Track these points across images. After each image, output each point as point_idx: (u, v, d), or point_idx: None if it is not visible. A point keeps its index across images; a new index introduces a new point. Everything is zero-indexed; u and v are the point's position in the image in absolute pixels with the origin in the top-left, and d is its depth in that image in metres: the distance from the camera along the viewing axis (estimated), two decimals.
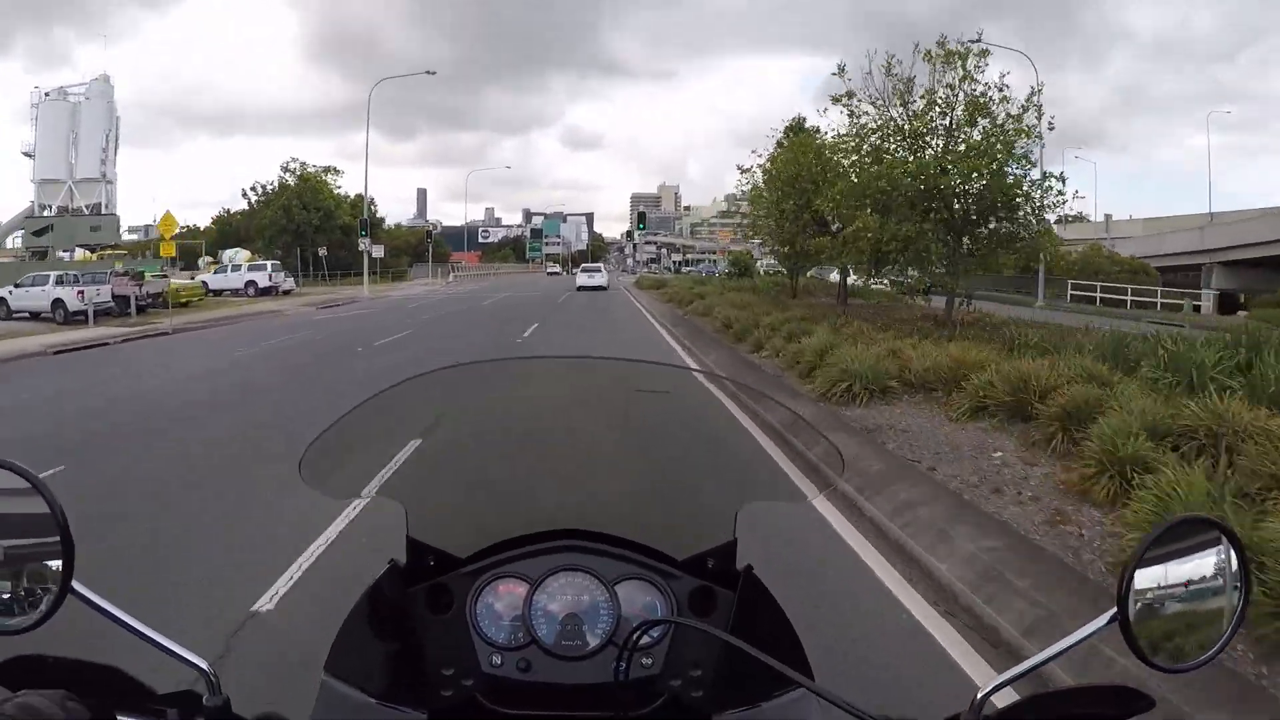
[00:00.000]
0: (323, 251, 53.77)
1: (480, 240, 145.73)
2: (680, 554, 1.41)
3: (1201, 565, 1.06)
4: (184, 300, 34.40)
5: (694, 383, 1.62)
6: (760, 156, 24.13)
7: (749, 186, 25.55)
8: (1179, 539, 1.06)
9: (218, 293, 43.20)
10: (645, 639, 1.25)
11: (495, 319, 24.04)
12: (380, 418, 1.45)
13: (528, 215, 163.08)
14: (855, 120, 16.13)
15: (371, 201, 74.38)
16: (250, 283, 44.26)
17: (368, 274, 44.70)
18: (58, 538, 0.96)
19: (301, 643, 3.52)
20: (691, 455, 1.64)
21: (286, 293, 45.28)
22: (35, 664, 0.95)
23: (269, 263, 46.57)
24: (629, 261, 73.78)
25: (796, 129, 25.91)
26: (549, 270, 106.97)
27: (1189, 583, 1.06)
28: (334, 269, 63.74)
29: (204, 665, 1.00)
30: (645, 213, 58.40)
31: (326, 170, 72.29)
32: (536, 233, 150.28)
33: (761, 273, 44.36)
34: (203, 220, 75.62)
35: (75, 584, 0.97)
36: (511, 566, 1.37)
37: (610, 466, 1.62)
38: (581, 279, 48.22)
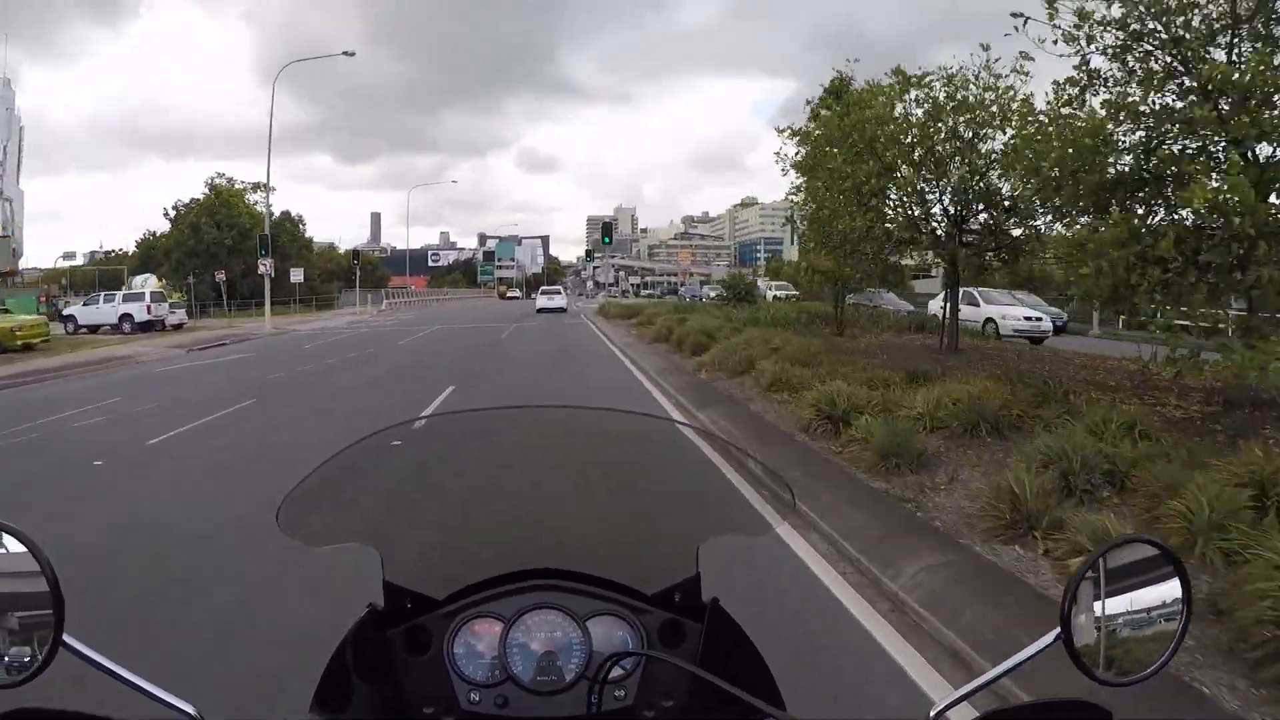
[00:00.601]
0: (221, 276, 44.86)
1: (430, 264, 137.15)
2: (649, 589, 1.41)
3: (1143, 582, 1.10)
4: (20, 342, 26.00)
5: (653, 424, 1.64)
6: (792, 139, 16.06)
7: (793, 177, 16.95)
8: (1120, 558, 1.10)
9: (93, 328, 34.73)
10: (617, 671, 1.28)
11: (397, 376, 16.38)
12: (354, 467, 1.43)
13: (482, 239, 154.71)
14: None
15: (299, 219, 66.36)
16: (125, 316, 35.49)
17: (270, 303, 36.14)
18: (49, 594, 0.99)
19: None
20: (654, 493, 1.62)
21: (177, 327, 36.87)
22: (32, 717, 0.96)
23: (148, 291, 37.81)
24: (589, 285, 66.34)
25: (837, 91, 17.63)
26: (509, 294, 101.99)
27: (1131, 599, 1.09)
28: (253, 296, 55.41)
29: (191, 710, 1.01)
30: (610, 224, 50.67)
31: (255, 186, 64.06)
32: (489, 255, 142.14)
33: (769, 298, 37.27)
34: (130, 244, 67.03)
35: (66, 637, 0.99)
36: (486, 606, 1.38)
37: (579, 506, 1.60)
38: (541, 301, 49.65)
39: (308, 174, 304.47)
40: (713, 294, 53.05)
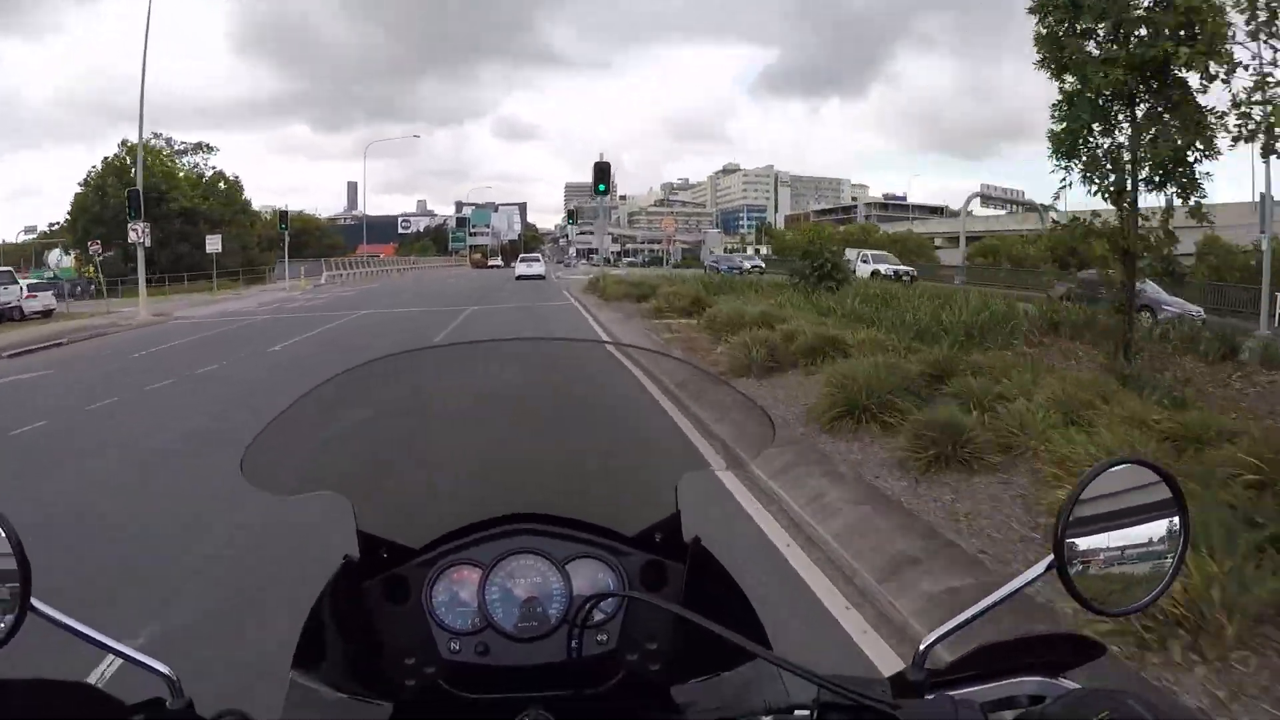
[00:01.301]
0: (95, 249, 35.43)
1: (400, 231, 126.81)
2: (629, 530, 1.37)
3: (1137, 506, 1.02)
4: None
5: (633, 357, 1.59)
6: None
7: None
8: (1112, 481, 1.02)
9: None
10: (599, 615, 1.25)
11: (188, 438, 8.34)
12: (319, 412, 1.38)
13: (459, 207, 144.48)
14: None
15: (235, 179, 56.52)
16: None
17: (144, 280, 27.03)
18: (13, 559, 0.95)
19: None
20: (630, 432, 1.60)
21: (44, 314, 28.08)
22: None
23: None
24: (570, 253, 59.76)
25: None
26: (490, 263, 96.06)
27: (1125, 525, 1.02)
28: (182, 269, 46.02)
29: (166, 670, 0.98)
30: (606, 166, 40.72)
31: (197, 147, 54.36)
32: (462, 222, 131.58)
33: (865, 274, 27.92)
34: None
35: (34, 601, 0.95)
36: (463, 553, 1.33)
37: (554, 448, 1.53)
38: (520, 268, 49.34)
39: (286, 144, 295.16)
40: (748, 265, 43.10)
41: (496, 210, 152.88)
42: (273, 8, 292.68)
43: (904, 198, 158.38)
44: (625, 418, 1.60)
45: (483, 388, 1.56)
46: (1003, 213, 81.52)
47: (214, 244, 38.62)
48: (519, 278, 45.69)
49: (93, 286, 43.03)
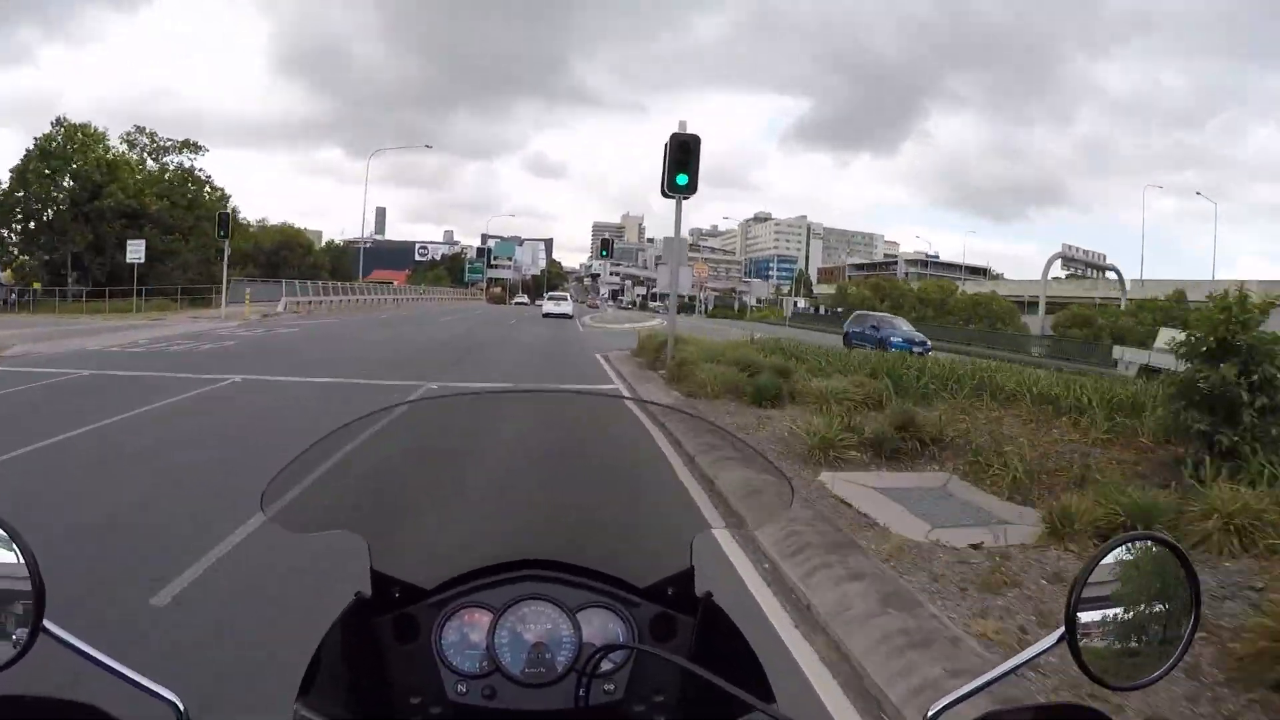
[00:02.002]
0: None
1: (418, 258, 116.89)
2: (641, 582, 1.36)
3: (1149, 581, 1.02)
4: None
5: (654, 414, 1.52)
6: None
7: None
8: (1126, 555, 1.02)
9: None
10: (607, 665, 1.24)
11: None
12: (340, 452, 1.35)
13: (483, 239, 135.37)
14: None
15: (207, 179, 46.47)
16: None
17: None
18: (28, 580, 0.95)
19: None
20: (648, 486, 1.60)
21: None
22: (10, 703, 0.94)
23: None
24: (603, 294, 50.79)
25: None
26: (518, 299, 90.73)
27: (1137, 599, 1.02)
28: (124, 280, 35.82)
29: (175, 700, 0.98)
30: (610, 241, 35.50)
31: (184, 145, 44.68)
32: (483, 253, 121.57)
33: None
34: None
35: (47, 623, 0.95)
36: (475, 596, 1.33)
37: (570, 496, 1.52)
38: (548, 306, 48.27)
39: (317, 167, 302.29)
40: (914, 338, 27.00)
41: (521, 244, 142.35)
42: (312, 31, 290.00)
43: (936, 255, 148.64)
44: (644, 472, 1.58)
45: (502, 435, 1.52)
46: (1063, 274, 71.69)
47: (135, 251, 28.60)
48: (545, 315, 44.80)
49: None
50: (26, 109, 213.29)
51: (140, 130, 44.92)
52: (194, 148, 46.78)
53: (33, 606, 0.95)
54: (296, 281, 42.98)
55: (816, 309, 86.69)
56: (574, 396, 1.63)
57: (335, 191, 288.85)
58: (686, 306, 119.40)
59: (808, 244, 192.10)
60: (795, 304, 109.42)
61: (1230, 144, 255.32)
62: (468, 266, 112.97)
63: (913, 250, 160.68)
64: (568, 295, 55.41)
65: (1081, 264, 71.33)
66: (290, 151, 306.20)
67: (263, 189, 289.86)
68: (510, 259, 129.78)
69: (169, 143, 45.64)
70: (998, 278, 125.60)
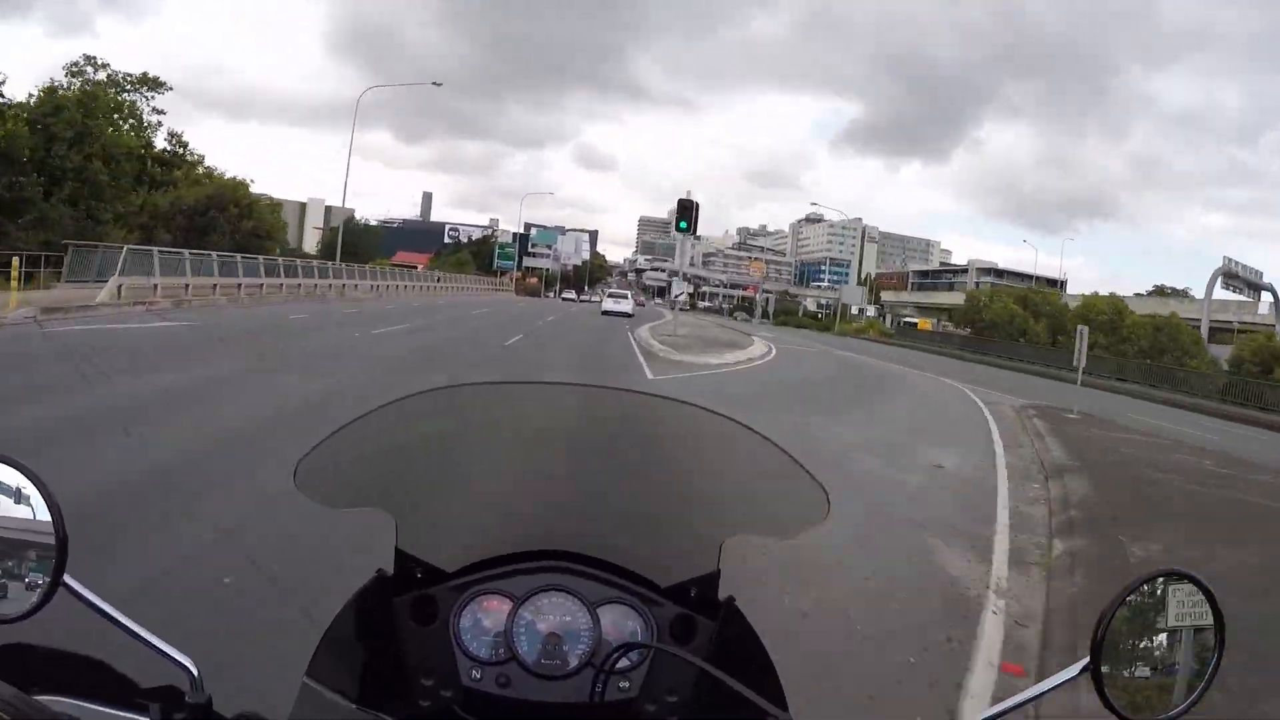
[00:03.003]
0: None
1: (447, 240, 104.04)
2: (664, 581, 1.36)
3: (1175, 618, 1.04)
4: None
5: (688, 413, 1.49)
6: None
7: None
8: (1154, 591, 1.05)
9: None
10: (624, 662, 1.24)
11: None
12: (377, 431, 1.37)
13: (527, 228, 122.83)
14: None
15: (154, 124, 35.19)
16: None
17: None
18: (52, 530, 0.94)
19: None
20: (681, 484, 1.56)
21: None
22: (18, 652, 0.96)
23: None
24: (679, 295, 36.62)
25: None
26: (564, 295, 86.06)
27: (1162, 635, 1.04)
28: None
29: (189, 664, 0.97)
30: (692, 204, 15.21)
31: (142, 80, 34.43)
32: (521, 238, 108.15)
33: None
34: None
35: (67, 578, 0.94)
36: (497, 583, 1.33)
37: (600, 490, 1.52)
38: (608, 304, 45.85)
39: (367, 149, 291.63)
40: None
41: (564, 233, 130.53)
42: (366, 13, 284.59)
43: (994, 264, 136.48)
44: (679, 471, 1.54)
45: (537, 424, 1.53)
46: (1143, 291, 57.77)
47: None
48: (604, 313, 43.16)
49: None
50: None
51: (90, 61, 37.20)
52: (154, 84, 39.09)
53: (54, 559, 0.93)
54: (186, 253, 25.86)
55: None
56: (613, 391, 1.55)
57: (383, 175, 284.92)
58: (743, 307, 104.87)
59: (862, 248, 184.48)
60: (898, 319, 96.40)
61: None
62: (497, 251, 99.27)
63: (965, 259, 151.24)
64: (628, 294, 52.39)
65: (1243, 283, 56.56)
66: (341, 133, 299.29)
67: (311, 169, 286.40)
68: (550, 247, 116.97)
69: (126, 77, 38.20)
70: (1063, 289, 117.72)
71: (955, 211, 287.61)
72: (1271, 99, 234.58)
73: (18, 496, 0.96)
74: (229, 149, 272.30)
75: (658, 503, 1.51)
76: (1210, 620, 1.03)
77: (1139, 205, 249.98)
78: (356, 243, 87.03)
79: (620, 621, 1.30)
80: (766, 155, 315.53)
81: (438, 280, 59.90)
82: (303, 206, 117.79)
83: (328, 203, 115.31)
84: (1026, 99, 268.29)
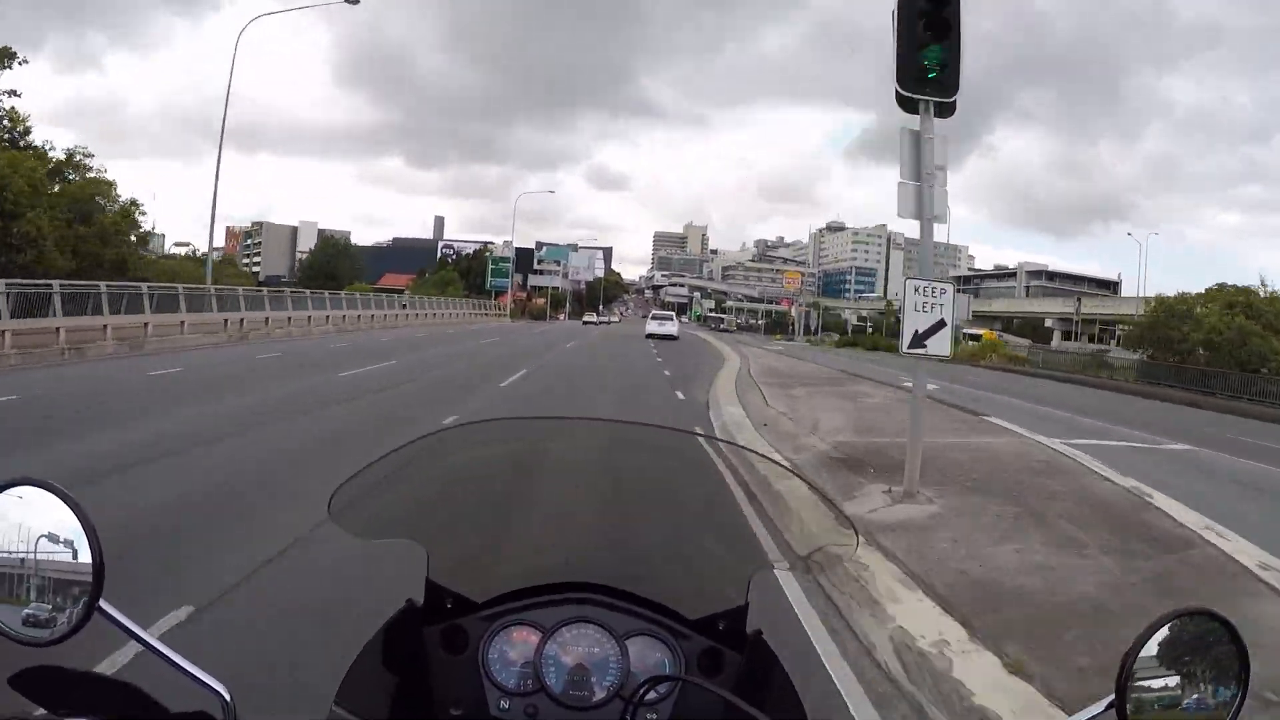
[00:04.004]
0: None
1: (443, 256, 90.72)
2: (692, 614, 1.37)
3: (1199, 655, 1.03)
4: None
5: (718, 449, 1.63)
6: None
7: None
8: (1178, 629, 1.03)
9: None
10: (652, 694, 1.23)
11: None
12: (409, 465, 1.40)
13: (539, 246, 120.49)
14: None
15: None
16: None
17: None
18: (89, 555, 0.95)
19: None
20: (709, 519, 1.60)
21: None
22: (53, 675, 0.95)
23: None
24: (731, 315, 32.40)
25: None
26: (585, 319, 79.83)
27: (1186, 673, 1.03)
28: None
29: (222, 690, 0.98)
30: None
31: None
32: (523, 254, 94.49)
33: None
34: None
35: (103, 603, 0.95)
36: (526, 614, 1.34)
37: (628, 523, 1.55)
38: (652, 326, 43.39)
39: (379, 176, 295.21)
40: None
41: (576, 249, 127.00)
42: (375, 41, 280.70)
43: (1046, 266, 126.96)
44: (707, 505, 1.58)
45: (567, 459, 1.56)
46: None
47: None
48: (649, 335, 40.74)
49: None
50: (90, 113, 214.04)
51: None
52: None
53: (90, 584, 0.94)
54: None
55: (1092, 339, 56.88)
56: (644, 428, 1.55)
57: (396, 200, 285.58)
58: (777, 324, 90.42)
59: (888, 255, 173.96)
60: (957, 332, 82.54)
61: None
62: (491, 268, 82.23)
63: (991, 265, 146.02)
64: (672, 315, 50.87)
65: None
66: (353, 160, 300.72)
67: (325, 197, 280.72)
68: (559, 263, 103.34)
69: None
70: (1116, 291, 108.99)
71: (969, 218, 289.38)
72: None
73: (55, 522, 0.95)
74: (237, 182, 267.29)
75: (686, 536, 1.50)
76: (1235, 656, 1.02)
77: (1153, 207, 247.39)
78: (335, 265, 74.72)
79: (648, 653, 1.29)
80: (779, 168, 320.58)
81: (403, 307, 47.55)
82: (294, 230, 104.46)
83: (321, 225, 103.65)
84: (1037, 104, 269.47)
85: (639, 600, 1.34)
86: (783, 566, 1.78)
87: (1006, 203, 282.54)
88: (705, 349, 34.52)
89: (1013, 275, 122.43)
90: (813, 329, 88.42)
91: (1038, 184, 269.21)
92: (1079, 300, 68.04)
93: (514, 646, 1.29)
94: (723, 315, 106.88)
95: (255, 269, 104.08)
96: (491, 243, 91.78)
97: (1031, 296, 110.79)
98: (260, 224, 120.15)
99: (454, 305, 57.95)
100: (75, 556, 0.95)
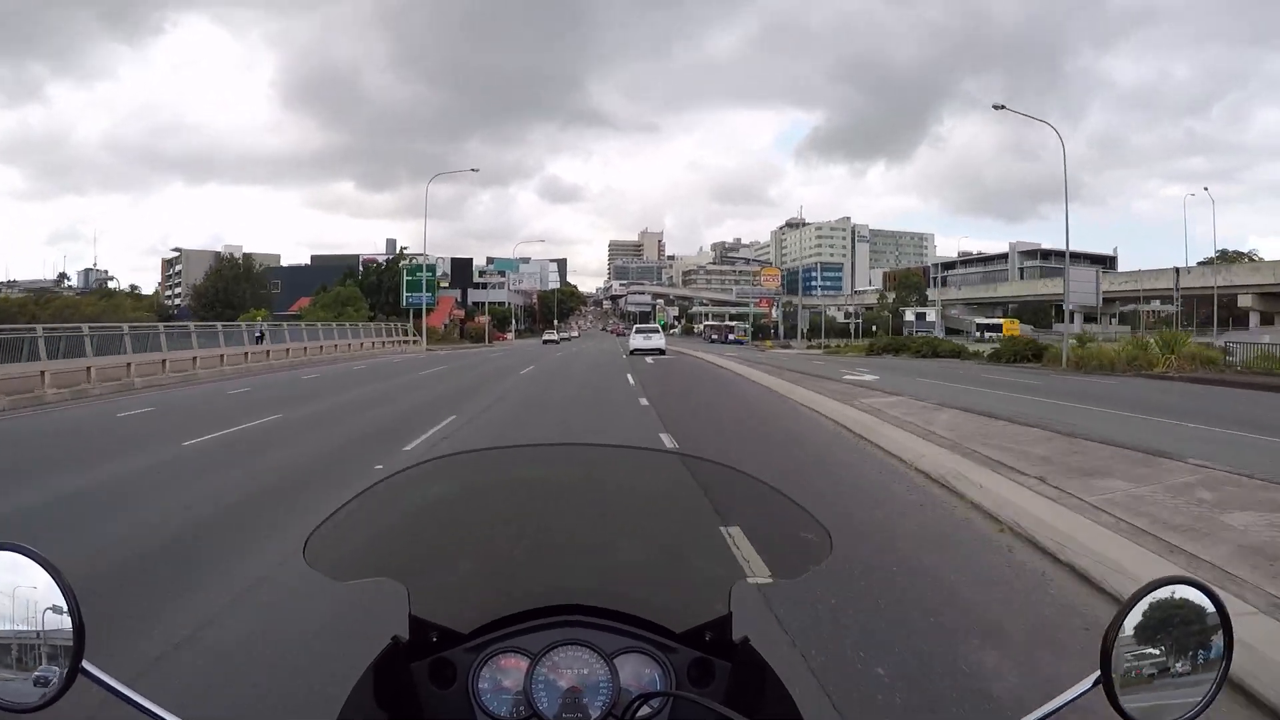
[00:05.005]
0: None
1: (350, 270, 74.65)
2: (678, 627, 1.35)
3: (1184, 624, 1.03)
4: None
5: (692, 465, 1.49)
6: None
7: None
8: (1161, 599, 1.03)
9: None
10: (644, 710, 1.21)
11: None
12: (383, 502, 1.38)
13: (489, 261, 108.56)
14: None
15: None
16: None
17: None
18: (68, 618, 0.95)
19: None
20: (687, 532, 1.52)
21: None
22: None
23: None
24: (739, 323, 23.24)
25: None
26: (545, 337, 73.25)
27: (1171, 642, 1.02)
28: None
29: None
30: None
31: None
32: (464, 266, 78.91)
33: None
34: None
35: (85, 664, 0.94)
36: (512, 641, 1.31)
37: (609, 543, 1.51)
38: (636, 340, 38.86)
39: (331, 202, 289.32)
40: None
41: (528, 261, 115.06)
42: (320, 63, 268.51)
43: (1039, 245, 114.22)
44: (684, 519, 1.50)
45: (543, 485, 1.52)
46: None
47: None
48: (633, 351, 36.88)
49: None
50: (34, 146, 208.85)
51: None
52: None
53: (72, 646, 0.93)
54: None
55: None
56: (619, 450, 1.50)
57: (349, 225, 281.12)
58: (764, 329, 75.55)
59: (853, 249, 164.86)
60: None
61: (1236, 128, 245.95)
62: (407, 279, 58.16)
63: (958, 252, 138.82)
64: (658, 328, 45.45)
65: None
66: (302, 186, 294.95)
67: (277, 225, 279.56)
68: (502, 275, 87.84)
69: None
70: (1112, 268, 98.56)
71: (922, 209, 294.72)
72: (1220, 67, 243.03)
73: (31, 586, 0.94)
74: (188, 212, 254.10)
75: (666, 551, 1.48)
76: (1217, 623, 1.02)
77: (1100, 184, 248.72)
78: (234, 290, 59.32)
79: (638, 670, 1.27)
80: (731, 171, 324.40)
81: (257, 340, 30.34)
82: (216, 256, 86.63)
83: (246, 249, 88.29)
84: (983, 91, 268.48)
85: (625, 618, 1.32)
86: (764, 578, 1.40)
87: (957, 190, 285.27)
88: (736, 391, 18.62)
89: (1003, 258, 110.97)
90: (796, 332, 74.68)
91: (987, 170, 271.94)
92: (1177, 272, 54.73)
93: (504, 674, 1.26)
94: (733, 324, 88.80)
95: (178, 300, 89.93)
96: (407, 248, 70.43)
97: (1029, 279, 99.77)
98: (180, 250, 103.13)
99: (340, 335, 38.98)
100: (55, 619, 0.93)
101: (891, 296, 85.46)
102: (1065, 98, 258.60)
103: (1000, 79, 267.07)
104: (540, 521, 1.49)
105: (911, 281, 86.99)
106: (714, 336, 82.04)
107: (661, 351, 36.68)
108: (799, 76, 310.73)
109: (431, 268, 59.09)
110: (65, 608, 0.93)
